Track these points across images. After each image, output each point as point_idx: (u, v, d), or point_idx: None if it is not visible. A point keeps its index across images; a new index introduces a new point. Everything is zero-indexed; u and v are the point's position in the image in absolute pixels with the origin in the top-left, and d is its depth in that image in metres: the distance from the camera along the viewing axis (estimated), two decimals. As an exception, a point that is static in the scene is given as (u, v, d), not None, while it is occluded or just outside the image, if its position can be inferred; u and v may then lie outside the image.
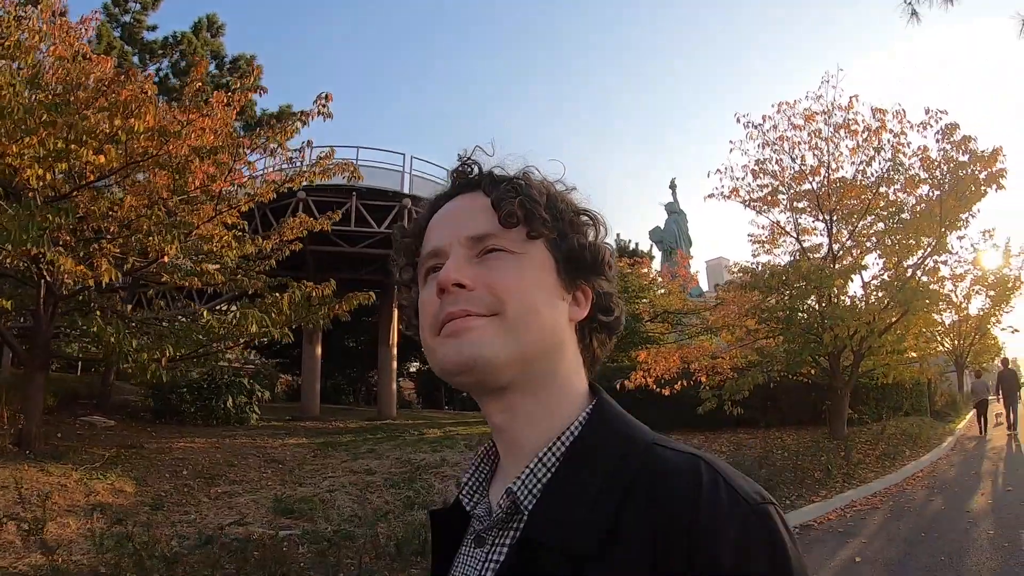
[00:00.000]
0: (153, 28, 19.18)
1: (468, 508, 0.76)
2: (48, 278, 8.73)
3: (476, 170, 0.78)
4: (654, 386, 11.50)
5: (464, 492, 0.77)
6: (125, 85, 7.76)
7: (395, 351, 18.73)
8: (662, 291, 18.31)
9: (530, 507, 0.66)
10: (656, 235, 32.65)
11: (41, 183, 7.62)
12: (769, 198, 12.32)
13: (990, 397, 17.03)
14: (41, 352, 9.57)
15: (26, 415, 9.25)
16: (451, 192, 0.78)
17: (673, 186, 33.71)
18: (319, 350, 18.07)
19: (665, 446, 0.66)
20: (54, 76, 7.86)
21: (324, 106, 8.40)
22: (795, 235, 12.83)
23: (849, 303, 11.32)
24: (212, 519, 7.15)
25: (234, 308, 9.75)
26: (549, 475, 0.67)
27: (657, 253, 32.51)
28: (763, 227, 13.82)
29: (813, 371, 12.54)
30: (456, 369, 0.68)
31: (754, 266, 12.95)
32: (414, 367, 32.16)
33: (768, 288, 11.18)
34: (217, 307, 14.86)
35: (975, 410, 16.86)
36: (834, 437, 11.56)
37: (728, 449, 10.89)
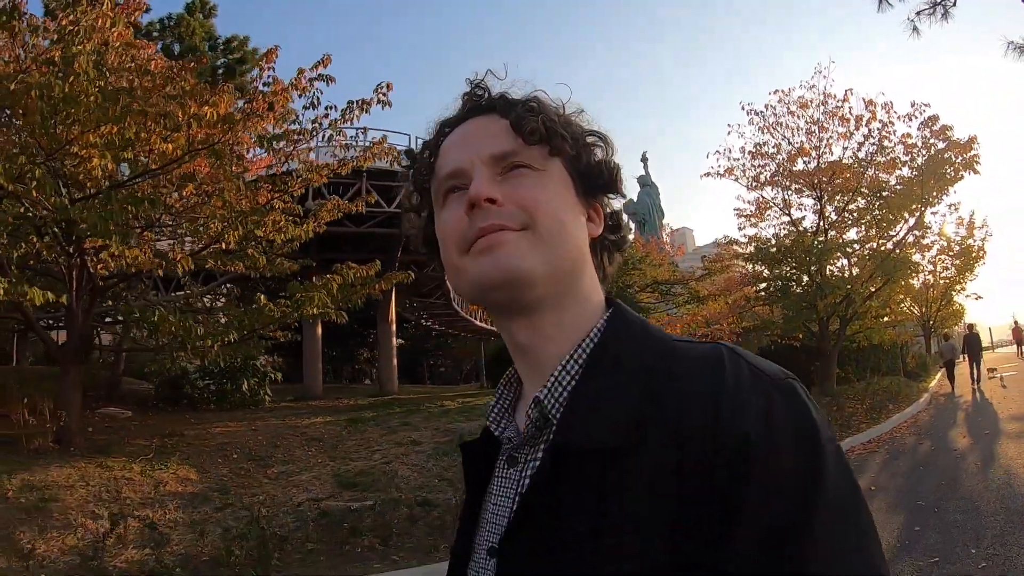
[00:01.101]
0: (148, 9, 19.43)
1: (497, 433, 0.78)
2: (91, 269, 9.00)
3: (487, 94, 0.79)
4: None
5: (491, 419, 0.80)
6: (186, 75, 8.27)
7: (394, 327, 19.67)
8: (659, 265, 19.74)
9: (558, 415, 0.69)
10: (630, 208, 34.10)
11: (104, 172, 7.92)
12: (763, 177, 13.76)
13: (957, 358, 19.19)
14: (77, 346, 9.64)
15: (66, 411, 9.07)
16: (462, 116, 0.80)
17: (644, 159, 35.41)
18: (319, 331, 18.81)
19: (686, 341, 0.71)
20: (117, 61, 8.14)
21: (384, 95, 8.92)
22: (787, 211, 14.30)
23: (839, 273, 12.81)
24: (281, 497, 7.71)
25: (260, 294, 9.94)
26: (574, 382, 0.70)
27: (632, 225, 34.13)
28: (749, 202, 15.33)
29: (801, 336, 14.14)
30: (494, 284, 0.69)
31: (755, 240, 14.37)
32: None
33: (773, 260, 12.65)
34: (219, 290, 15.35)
35: (944, 369, 19.06)
36: (825, 394, 13.15)
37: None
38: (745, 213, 15.47)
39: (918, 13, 7.72)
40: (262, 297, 9.56)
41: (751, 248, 13.94)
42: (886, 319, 15.15)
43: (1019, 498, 6.44)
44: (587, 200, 0.78)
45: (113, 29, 7.86)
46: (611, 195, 0.82)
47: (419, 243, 0.86)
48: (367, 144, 10.75)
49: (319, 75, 8.69)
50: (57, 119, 7.19)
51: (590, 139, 0.79)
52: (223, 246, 9.22)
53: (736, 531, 0.55)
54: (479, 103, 0.79)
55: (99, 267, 9.31)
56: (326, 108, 8.94)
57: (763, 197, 14.87)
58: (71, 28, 7.15)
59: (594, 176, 0.78)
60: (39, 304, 7.72)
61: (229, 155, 8.98)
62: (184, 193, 8.94)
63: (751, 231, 15.24)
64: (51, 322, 13.39)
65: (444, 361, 38.35)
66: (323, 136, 9.58)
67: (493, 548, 0.72)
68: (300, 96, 8.82)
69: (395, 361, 19.84)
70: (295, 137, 9.29)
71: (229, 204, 8.86)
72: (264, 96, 8.69)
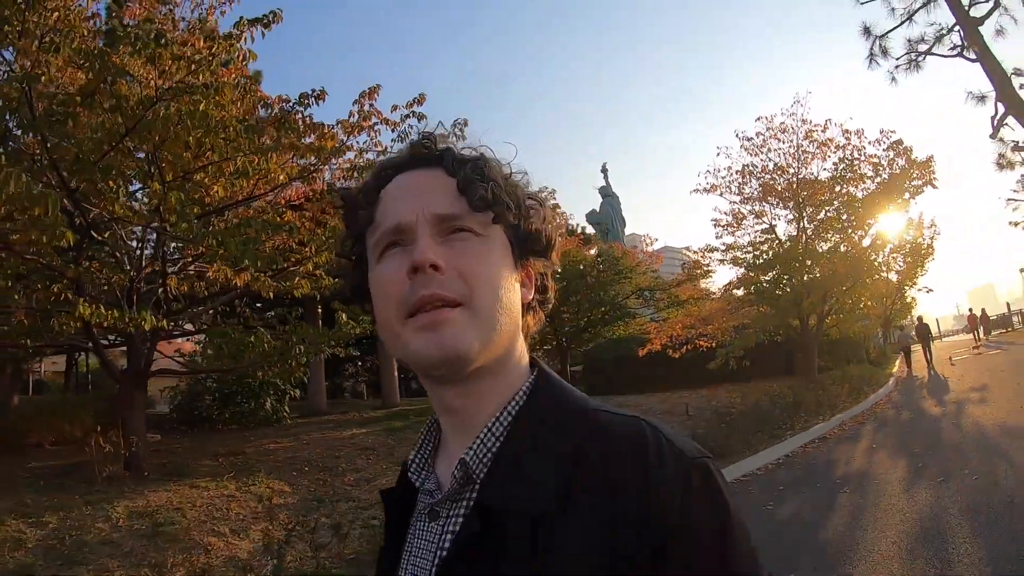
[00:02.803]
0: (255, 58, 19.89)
1: (417, 484, 0.84)
2: (171, 292, 9.67)
3: (434, 146, 0.83)
4: (671, 350, 15.31)
5: (412, 470, 0.85)
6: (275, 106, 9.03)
7: (395, 342, 21.22)
8: (643, 272, 22.20)
9: (482, 475, 0.75)
10: (593, 217, 36.73)
11: (216, 200, 8.76)
12: (747, 191, 16.46)
13: (911, 345, 22.71)
14: (140, 370, 10.01)
15: (134, 437, 9.34)
16: (405, 164, 0.83)
17: (605, 170, 37.94)
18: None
19: (606, 411, 0.76)
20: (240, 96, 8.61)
21: (461, 130, 10.54)
22: (764, 220, 16.97)
23: (820, 275, 15.43)
24: (373, 499, 8.19)
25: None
26: (498, 444, 0.76)
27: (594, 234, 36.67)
28: (725, 212, 17.98)
29: (782, 332, 16.75)
30: (433, 363, 0.74)
31: (733, 248, 17.04)
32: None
33: (765, 266, 15.22)
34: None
35: (902, 353, 22.61)
36: (808, 381, 15.68)
37: (737, 397, 14.74)
38: (722, 223, 18.13)
39: (896, 67, 10.43)
40: (343, 315, 10.05)
41: (740, 255, 16.66)
42: (856, 313, 17.99)
43: (990, 439, 9.05)
44: (522, 264, 0.84)
45: (244, 63, 8.49)
46: (545, 259, 0.87)
47: (348, 291, 0.90)
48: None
49: (412, 112, 9.72)
50: (194, 148, 7.94)
51: (530, 203, 0.84)
52: (311, 268, 9.74)
53: None
54: (426, 154, 0.83)
55: (182, 289, 10.23)
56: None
57: (740, 210, 17.51)
58: (209, 57, 7.80)
59: (532, 243, 0.84)
60: (147, 328, 8.12)
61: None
62: (285, 218, 9.58)
63: (729, 239, 17.95)
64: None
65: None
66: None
67: None
68: (392, 130, 9.67)
69: (396, 374, 21.31)
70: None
71: (332, 229, 9.55)
72: (358, 128, 9.56)
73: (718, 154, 17.50)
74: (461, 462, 0.75)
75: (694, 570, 0.63)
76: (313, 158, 9.08)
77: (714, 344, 15.66)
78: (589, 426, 0.73)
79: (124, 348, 12.06)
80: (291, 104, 8.91)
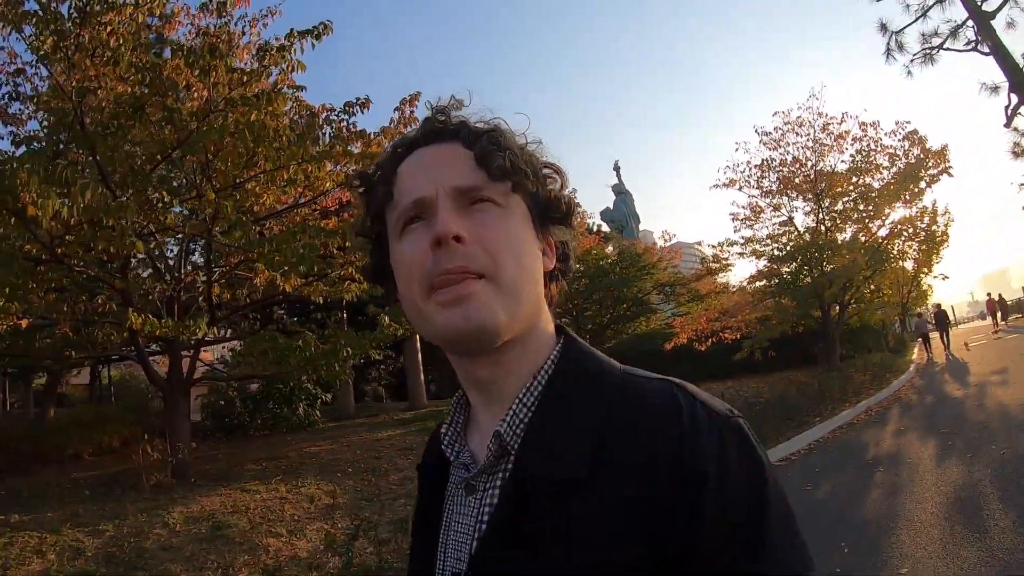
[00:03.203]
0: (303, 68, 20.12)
1: (451, 457, 0.85)
2: (213, 300, 10.02)
3: (448, 120, 0.84)
4: (697, 343, 15.84)
5: (445, 443, 0.86)
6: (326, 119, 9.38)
7: (419, 343, 21.67)
8: (664, 268, 22.76)
9: (516, 446, 0.76)
10: (607, 215, 37.25)
11: (263, 208, 9.16)
12: (765, 185, 16.99)
13: (930, 332, 23.42)
14: (183, 377, 10.39)
15: (179, 444, 9.67)
16: (420, 140, 0.84)
17: (617, 168, 38.46)
18: (348, 352, 20.61)
19: (636, 374, 0.78)
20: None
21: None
22: (781, 212, 17.51)
23: (839, 266, 15.93)
24: None
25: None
26: (531, 414, 0.77)
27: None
28: (743, 206, 18.48)
29: (804, 323, 17.26)
30: (461, 338, 0.76)
31: (752, 241, 17.60)
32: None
33: (787, 258, 15.74)
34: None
35: (920, 340, 23.81)
36: (830, 370, 16.16)
37: (764, 387, 15.24)
38: (740, 217, 18.66)
39: (912, 60, 11.03)
40: (386, 319, 10.33)
41: (759, 247, 17.22)
42: (876, 302, 18.52)
43: (1015, 417, 9.55)
44: (543, 233, 0.85)
45: (293, 73, 8.65)
46: (565, 227, 0.89)
47: (370, 274, 0.91)
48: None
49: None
50: (248, 158, 8.32)
51: (546, 171, 0.86)
52: (352, 271, 9.81)
53: (699, 547, 0.65)
54: (440, 128, 0.84)
55: (225, 296, 10.78)
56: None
57: (758, 203, 18.02)
58: (260, 68, 8.19)
59: (552, 210, 0.85)
60: (200, 335, 8.59)
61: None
62: (329, 224, 9.67)
63: (747, 232, 18.49)
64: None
65: (437, 375, 39.73)
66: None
67: (458, 573, 0.78)
68: None
69: (422, 377, 21.75)
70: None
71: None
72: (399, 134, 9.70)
73: (736, 149, 18.21)
74: (496, 434, 0.77)
75: (730, 520, 0.65)
76: (358, 165, 9.12)
77: (738, 336, 16.21)
78: (620, 390, 0.75)
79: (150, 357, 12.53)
80: (336, 112, 9.37)
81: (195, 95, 8.35)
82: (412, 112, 9.89)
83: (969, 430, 9.33)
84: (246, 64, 8.66)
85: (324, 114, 9.51)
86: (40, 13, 7.18)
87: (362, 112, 9.18)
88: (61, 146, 8.27)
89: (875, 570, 4.81)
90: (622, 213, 35.90)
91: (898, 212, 16.91)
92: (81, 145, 7.72)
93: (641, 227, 35.70)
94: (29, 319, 8.69)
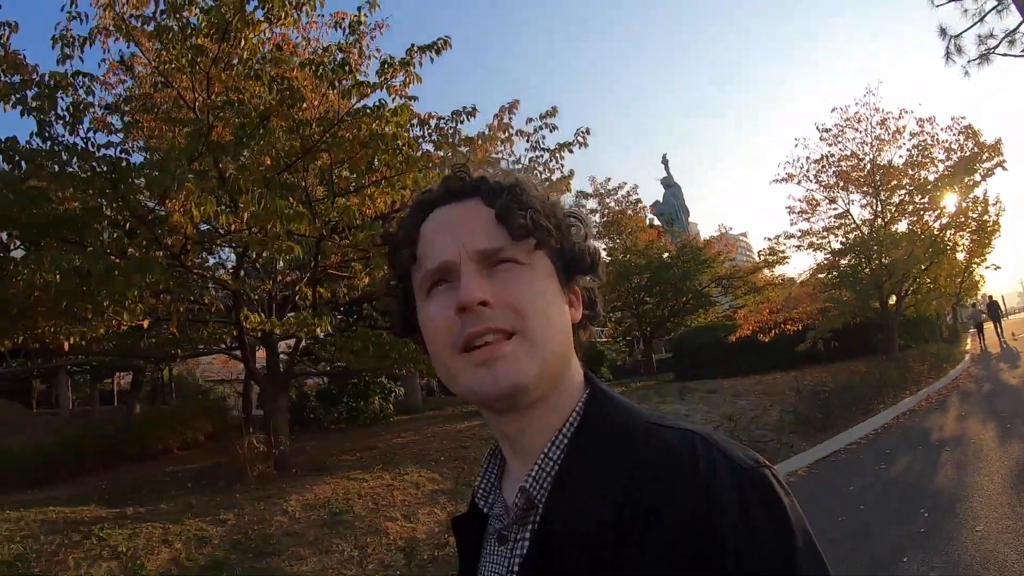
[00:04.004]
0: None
1: (485, 510, 0.90)
2: (318, 298, 10.67)
3: (468, 177, 0.87)
4: (761, 335, 16.98)
5: (479, 496, 0.92)
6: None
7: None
8: (722, 262, 23.83)
9: (543, 500, 0.79)
10: (657, 208, 38.27)
11: (375, 211, 9.20)
12: (823, 179, 18.20)
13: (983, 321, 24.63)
14: (281, 374, 11.09)
15: (280, 437, 10.19)
16: (442, 198, 0.87)
17: (665, 161, 39.50)
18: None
19: (660, 424, 0.79)
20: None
21: (583, 138, 11.19)
22: (844, 207, 18.67)
23: (898, 258, 16.90)
24: None
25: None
26: (557, 467, 0.80)
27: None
28: (799, 199, 19.60)
29: (863, 315, 18.27)
30: (492, 398, 0.79)
31: (809, 234, 18.79)
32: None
33: (847, 251, 16.87)
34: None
35: (975, 329, 25.36)
36: (889, 360, 17.13)
37: (827, 377, 16.14)
38: (796, 210, 19.74)
39: (968, 62, 12.26)
40: None
41: (816, 240, 18.47)
42: (933, 292, 19.50)
43: None
44: (568, 284, 0.87)
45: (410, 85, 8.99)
46: (591, 277, 0.91)
47: (399, 329, 0.93)
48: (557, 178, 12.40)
49: (544, 123, 11.10)
50: (370, 164, 8.73)
51: (569, 222, 0.88)
52: None
53: None
54: (461, 186, 0.86)
55: (326, 295, 11.45)
56: (539, 150, 11.25)
57: (815, 196, 19.09)
58: (383, 81, 8.58)
59: (576, 262, 0.88)
60: (321, 332, 9.40)
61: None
62: None
63: (804, 225, 19.60)
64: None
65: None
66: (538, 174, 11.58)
67: None
68: (526, 140, 11.12)
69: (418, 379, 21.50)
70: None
71: None
72: (493, 142, 10.84)
73: (796, 145, 19.54)
74: (521, 489, 0.80)
75: None
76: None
77: (800, 327, 17.28)
78: (644, 443, 0.77)
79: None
80: (444, 120, 10.18)
81: (318, 104, 8.94)
82: (511, 119, 10.82)
83: (1029, 416, 10.34)
84: (364, 75, 9.12)
85: (436, 120, 10.25)
86: (176, 30, 7.79)
87: (469, 120, 9.94)
88: (196, 155, 8.59)
89: (955, 528, 5.88)
90: (671, 206, 36.81)
91: (952, 203, 17.92)
92: (215, 155, 8.03)
93: (689, 219, 36.86)
94: (149, 319, 9.15)
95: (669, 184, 38.05)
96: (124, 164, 7.72)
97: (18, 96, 7.62)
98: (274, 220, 7.50)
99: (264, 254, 9.58)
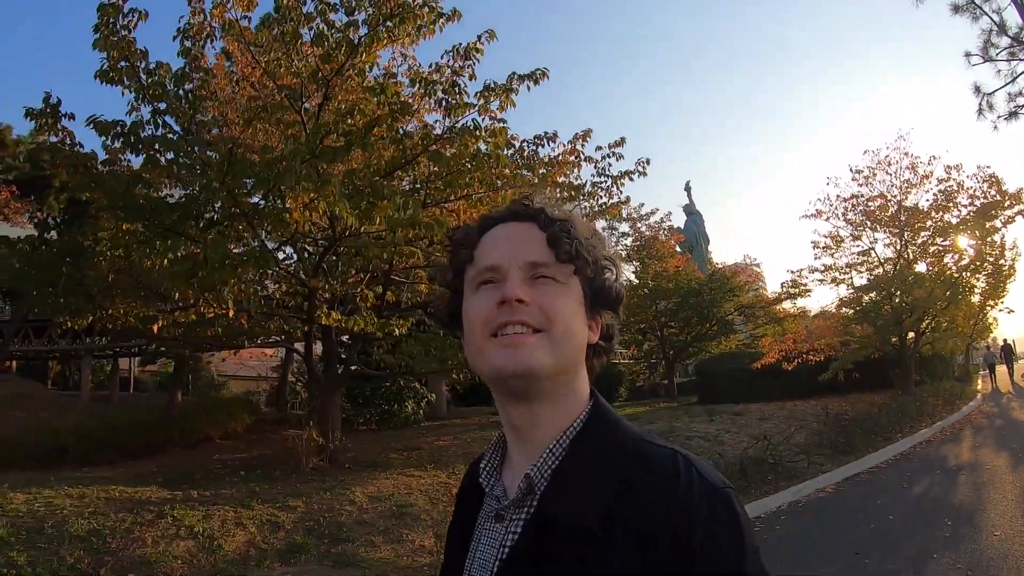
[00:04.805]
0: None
1: (487, 489, 1.04)
2: (385, 300, 11.15)
3: (531, 205, 1.03)
4: (785, 363, 18.18)
5: (483, 476, 1.05)
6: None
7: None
8: (747, 292, 24.98)
9: (542, 489, 0.93)
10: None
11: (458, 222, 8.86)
12: (850, 216, 19.59)
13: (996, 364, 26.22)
14: (338, 373, 11.72)
15: (334, 431, 10.77)
16: (505, 217, 1.04)
17: (688, 188, 40.78)
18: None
19: (650, 441, 0.94)
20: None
21: (644, 167, 11.84)
22: (868, 245, 20.05)
23: (919, 296, 18.04)
24: None
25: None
26: (557, 463, 0.94)
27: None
28: (824, 235, 20.95)
29: (881, 349, 19.44)
30: (510, 374, 0.92)
31: (832, 269, 20.12)
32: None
33: (872, 287, 18.15)
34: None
35: (988, 370, 27.35)
36: (905, 394, 18.22)
37: (847, 406, 17.19)
38: (821, 245, 21.02)
39: (998, 117, 13.57)
40: None
41: (839, 275, 19.83)
42: (950, 331, 20.70)
43: None
44: (592, 313, 1.02)
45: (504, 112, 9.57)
46: (613, 313, 1.07)
47: (444, 315, 1.09)
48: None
49: (612, 152, 11.65)
50: (468, 180, 9.19)
51: (605, 263, 1.03)
52: None
53: None
54: (523, 210, 1.03)
55: (391, 298, 11.76)
56: (604, 177, 11.72)
57: (840, 233, 20.39)
58: (485, 105, 9.15)
59: (603, 296, 1.03)
60: (398, 333, 9.49)
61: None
62: None
63: (828, 260, 20.95)
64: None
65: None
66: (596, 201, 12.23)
67: None
68: (593, 167, 11.58)
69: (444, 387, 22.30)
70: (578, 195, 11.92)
71: None
72: (565, 166, 11.39)
73: (827, 183, 21.78)
74: (526, 476, 0.94)
75: None
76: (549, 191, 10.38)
77: (823, 358, 18.43)
78: (634, 454, 0.92)
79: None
80: (527, 143, 10.98)
81: (419, 119, 9.66)
82: (583, 146, 11.45)
83: (1038, 448, 11.46)
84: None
85: (516, 143, 10.91)
86: (306, 37, 8.51)
87: (550, 144, 10.81)
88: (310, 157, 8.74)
89: (975, 534, 6.98)
90: (692, 233, 37.79)
91: (971, 246, 19.21)
92: (327, 159, 8.31)
93: (709, 247, 37.99)
94: (234, 308, 9.44)
95: (691, 211, 39.21)
96: (238, 158, 8.22)
97: (136, 82, 8.40)
98: (407, 227, 7.96)
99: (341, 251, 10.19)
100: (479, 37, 9.12)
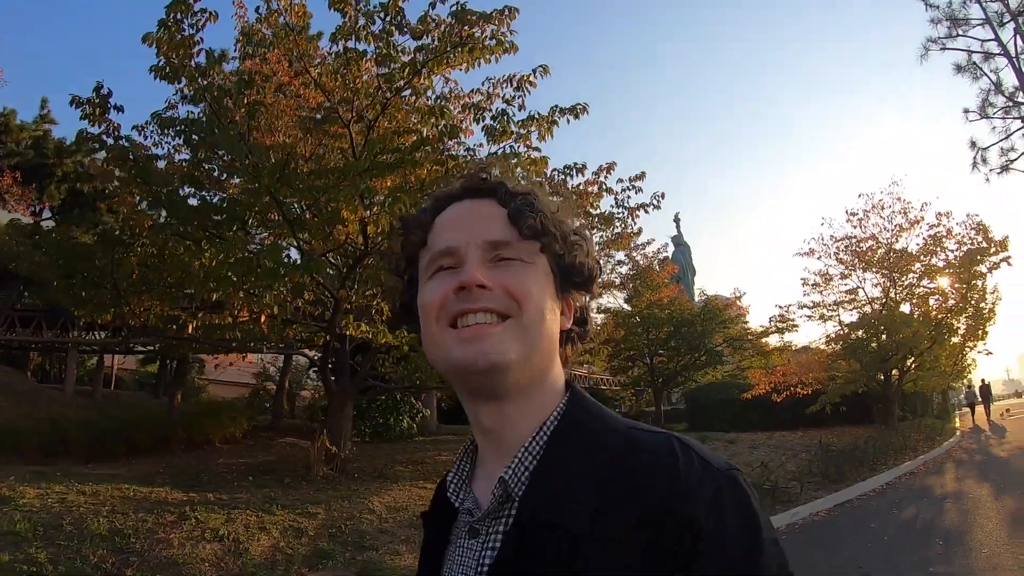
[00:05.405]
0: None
1: (457, 504, 0.92)
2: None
3: (488, 179, 0.94)
4: (775, 394, 19.02)
5: (451, 491, 0.93)
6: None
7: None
8: (737, 323, 25.79)
9: (520, 493, 0.83)
10: (664, 266, 40.26)
11: None
12: (841, 256, 20.66)
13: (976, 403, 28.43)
14: (349, 384, 11.89)
15: (344, 441, 10.94)
16: (460, 194, 0.95)
17: (677, 219, 41.80)
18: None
19: (640, 428, 0.85)
20: None
21: (659, 201, 12.31)
22: (856, 284, 21.09)
23: (904, 336, 18.96)
24: None
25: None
26: (535, 461, 0.84)
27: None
28: (813, 272, 21.93)
29: (866, 384, 20.35)
30: (476, 370, 0.83)
31: (820, 306, 21.13)
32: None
33: (860, 325, 19.06)
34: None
35: (968, 408, 29.54)
36: (889, 428, 19.08)
37: (833, 438, 17.98)
38: (810, 282, 21.99)
39: (991, 170, 14.70)
40: None
41: (826, 312, 20.85)
42: (933, 370, 21.70)
43: None
44: (563, 295, 0.93)
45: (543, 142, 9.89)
46: (586, 293, 0.98)
47: (398, 311, 1.00)
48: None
49: (632, 185, 11.93)
50: None
51: (575, 238, 0.93)
52: None
53: None
54: (480, 185, 0.94)
55: None
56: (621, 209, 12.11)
57: (828, 271, 21.37)
58: (527, 134, 9.56)
59: (574, 274, 0.94)
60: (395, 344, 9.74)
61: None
62: None
63: (816, 297, 21.93)
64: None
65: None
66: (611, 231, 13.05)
67: None
68: (613, 197, 11.87)
69: (435, 402, 22.77)
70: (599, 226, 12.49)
71: None
72: (589, 196, 11.48)
73: (821, 223, 22.81)
74: (500, 480, 0.84)
75: (725, 572, 0.72)
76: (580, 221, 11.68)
77: (810, 391, 19.29)
78: (623, 443, 0.82)
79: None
80: (557, 171, 11.08)
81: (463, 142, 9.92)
82: (606, 178, 11.63)
83: (1017, 476, 12.42)
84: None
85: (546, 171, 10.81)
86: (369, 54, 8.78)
87: (579, 175, 10.91)
88: (362, 170, 8.69)
89: (966, 551, 7.71)
90: (680, 264, 38.74)
91: (953, 289, 20.22)
92: (377, 175, 8.58)
93: (695, 278, 38.95)
94: (277, 313, 9.50)
95: (679, 243, 40.23)
96: (293, 166, 8.48)
97: (194, 82, 8.68)
98: None
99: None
100: (533, 71, 9.44)
